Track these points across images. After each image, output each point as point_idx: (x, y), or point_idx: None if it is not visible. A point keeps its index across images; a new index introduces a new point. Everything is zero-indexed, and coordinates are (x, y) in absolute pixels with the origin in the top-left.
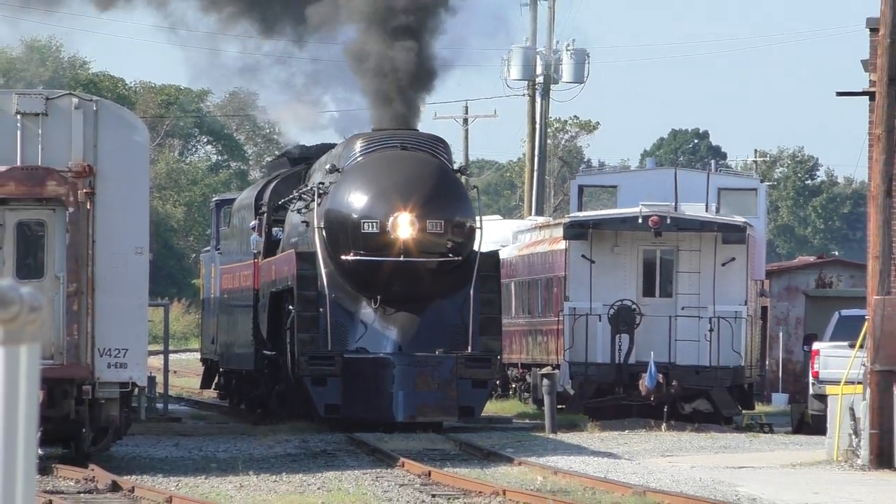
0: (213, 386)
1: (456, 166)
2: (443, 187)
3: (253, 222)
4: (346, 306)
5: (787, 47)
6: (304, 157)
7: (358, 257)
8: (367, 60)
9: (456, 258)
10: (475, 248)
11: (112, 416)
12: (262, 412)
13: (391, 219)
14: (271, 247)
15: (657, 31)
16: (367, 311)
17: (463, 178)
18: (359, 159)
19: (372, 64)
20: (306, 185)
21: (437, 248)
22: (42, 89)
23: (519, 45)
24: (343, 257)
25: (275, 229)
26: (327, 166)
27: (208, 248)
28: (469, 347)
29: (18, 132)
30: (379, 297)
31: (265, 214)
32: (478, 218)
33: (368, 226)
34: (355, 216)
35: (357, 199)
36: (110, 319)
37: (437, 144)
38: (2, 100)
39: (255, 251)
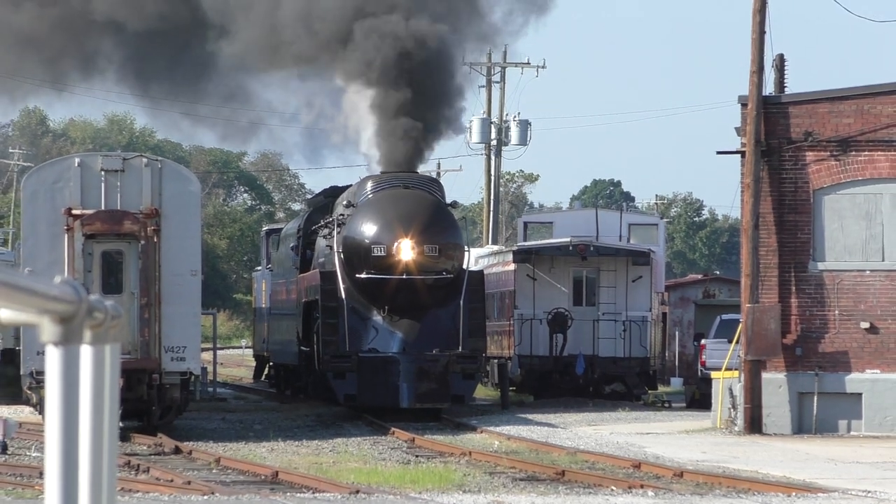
0: (264, 376)
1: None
2: (437, 219)
3: (292, 244)
4: (360, 314)
5: (680, 117)
6: (336, 195)
7: (369, 275)
8: (378, 117)
9: (448, 276)
10: (464, 267)
11: (174, 398)
12: (303, 397)
13: (395, 244)
14: (305, 265)
15: (582, 104)
16: (377, 319)
17: (454, 211)
18: (369, 196)
19: (382, 120)
20: (331, 217)
21: (433, 267)
22: (120, 152)
23: (478, 117)
24: (357, 275)
25: (308, 251)
26: (344, 202)
27: (259, 267)
28: (460, 347)
29: (102, 184)
30: (387, 307)
31: (300, 239)
32: (465, 243)
33: (377, 250)
34: (367, 242)
35: (368, 229)
36: (173, 324)
37: (432, 184)
38: (90, 160)
39: (294, 267)
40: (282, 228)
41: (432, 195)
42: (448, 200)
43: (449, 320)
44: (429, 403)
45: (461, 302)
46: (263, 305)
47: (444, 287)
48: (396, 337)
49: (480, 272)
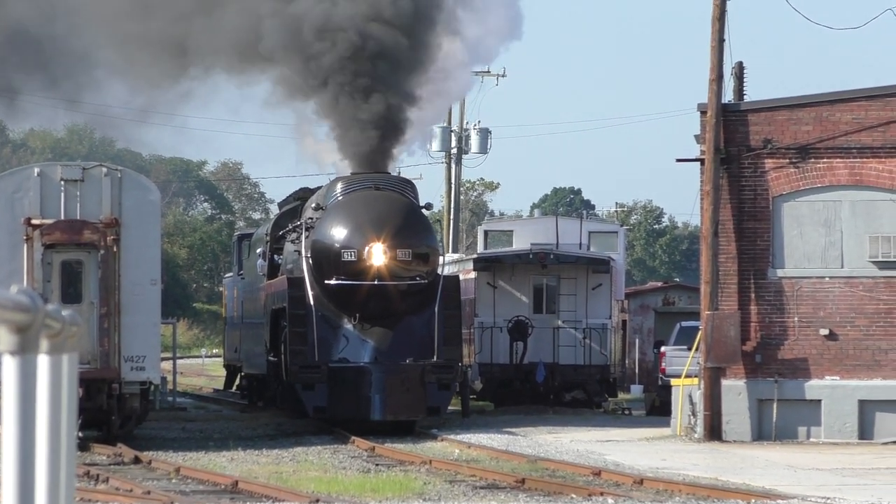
0: (235, 387)
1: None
2: (410, 221)
3: (259, 249)
4: (330, 323)
5: (640, 125)
6: (307, 197)
7: (339, 281)
8: (344, 113)
9: (422, 281)
10: (439, 272)
11: (134, 407)
12: (274, 409)
13: (367, 248)
14: (273, 271)
15: (543, 112)
16: (348, 327)
17: (427, 214)
18: (339, 198)
19: (349, 116)
20: (300, 220)
21: (406, 273)
22: (80, 162)
23: (438, 125)
24: (327, 281)
25: (276, 256)
26: (313, 205)
27: (230, 274)
28: (435, 356)
29: (62, 194)
30: (358, 314)
31: (268, 244)
32: (440, 247)
33: (347, 254)
34: (336, 246)
35: (338, 232)
36: (132, 334)
37: (405, 185)
38: (49, 170)
39: (262, 273)
40: (253, 233)
41: (405, 197)
42: (421, 203)
43: (423, 328)
44: (402, 416)
45: (436, 308)
46: (235, 313)
47: (418, 293)
48: (368, 346)
49: (456, 277)
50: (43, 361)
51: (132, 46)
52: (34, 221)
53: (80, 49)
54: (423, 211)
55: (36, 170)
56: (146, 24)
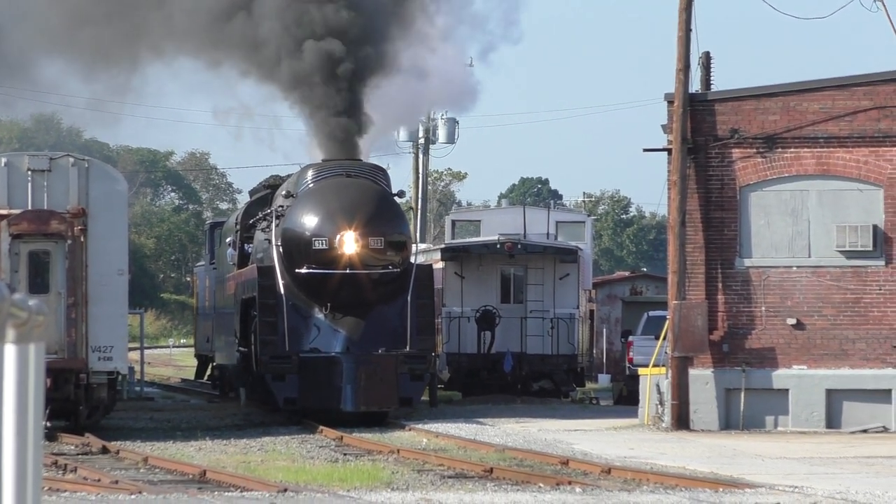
0: (206, 377)
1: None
2: (382, 209)
3: (229, 239)
4: (301, 312)
5: (607, 114)
6: (278, 186)
7: (310, 270)
8: (313, 99)
9: (394, 270)
10: (411, 260)
11: (102, 397)
12: (245, 398)
13: (338, 237)
14: (244, 260)
15: (510, 102)
16: (319, 317)
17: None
18: (310, 185)
19: (318, 102)
20: (270, 208)
21: (378, 261)
22: (47, 152)
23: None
24: (297, 270)
25: (247, 245)
26: (283, 192)
27: (201, 263)
28: (407, 346)
29: (29, 184)
30: (329, 304)
31: (238, 233)
32: (413, 234)
33: (318, 243)
34: (307, 234)
35: (309, 220)
36: (100, 324)
37: (377, 172)
38: (16, 160)
39: (232, 263)
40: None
41: (377, 184)
42: (393, 190)
43: (396, 317)
44: (374, 406)
45: (408, 298)
46: (206, 303)
47: (391, 282)
48: (340, 336)
49: (429, 266)
50: (9, 351)
51: (82, 40)
52: (1, 211)
53: (23, 42)
54: (396, 199)
55: (3, 160)
56: (99, 25)
